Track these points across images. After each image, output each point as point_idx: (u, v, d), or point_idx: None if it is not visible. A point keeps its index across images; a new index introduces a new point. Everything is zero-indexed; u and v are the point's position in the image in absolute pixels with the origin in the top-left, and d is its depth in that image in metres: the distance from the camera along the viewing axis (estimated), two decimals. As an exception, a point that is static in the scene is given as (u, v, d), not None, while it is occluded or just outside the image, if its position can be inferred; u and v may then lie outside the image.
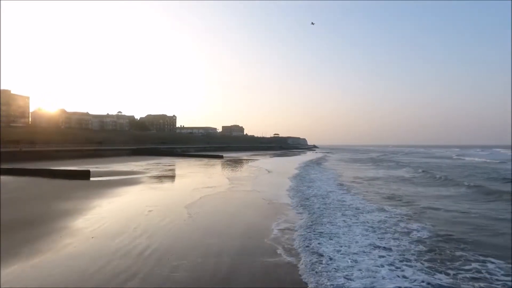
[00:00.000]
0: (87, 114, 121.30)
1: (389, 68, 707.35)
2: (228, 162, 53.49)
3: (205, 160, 57.42)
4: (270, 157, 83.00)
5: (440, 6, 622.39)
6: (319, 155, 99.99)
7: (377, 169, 42.85)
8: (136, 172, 32.49)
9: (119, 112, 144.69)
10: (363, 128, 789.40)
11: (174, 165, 44.70)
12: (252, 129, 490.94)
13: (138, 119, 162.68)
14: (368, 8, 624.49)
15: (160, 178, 28.63)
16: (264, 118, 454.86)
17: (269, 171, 36.97)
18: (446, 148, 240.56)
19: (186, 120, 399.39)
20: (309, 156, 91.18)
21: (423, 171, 34.39)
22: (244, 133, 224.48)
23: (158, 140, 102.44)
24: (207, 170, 37.96)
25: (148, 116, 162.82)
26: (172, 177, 29.76)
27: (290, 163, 52.05)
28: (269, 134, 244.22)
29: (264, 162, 55.36)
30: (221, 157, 66.15)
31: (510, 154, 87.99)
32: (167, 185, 24.81)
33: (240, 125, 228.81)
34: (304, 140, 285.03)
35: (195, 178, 29.20)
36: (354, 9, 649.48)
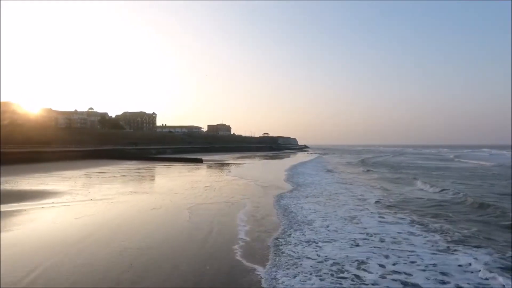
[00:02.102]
0: (49, 110, 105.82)
1: (378, 69, 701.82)
2: (207, 169, 39.97)
3: (178, 166, 43.75)
4: (261, 159, 69.78)
5: (440, 5, 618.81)
6: (315, 156, 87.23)
7: (402, 179, 29.83)
8: (38, 195, 18.71)
9: (91, 108, 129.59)
10: (350, 128, 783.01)
11: (125, 175, 30.92)
12: (240, 128, 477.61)
13: (114, 116, 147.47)
14: (360, 7, 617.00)
15: (61, 209, 14.96)
16: (253, 117, 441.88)
17: (263, 187, 23.89)
18: (434, 148, 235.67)
19: (169, 118, 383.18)
20: (304, 158, 78.23)
21: (463, 194, 20.88)
22: (232, 133, 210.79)
23: (130, 139, 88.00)
24: (167, 185, 24.48)
25: (125, 113, 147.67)
26: (87, 206, 16.05)
27: (290, 170, 38.84)
28: (258, 133, 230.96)
29: (254, 168, 42.06)
30: (200, 161, 52.62)
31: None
32: (39, 235, 11.14)
33: (227, 124, 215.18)
34: (295, 140, 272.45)
35: (129, 209, 15.64)
36: (345, 8, 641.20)
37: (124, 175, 30.72)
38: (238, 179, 29.27)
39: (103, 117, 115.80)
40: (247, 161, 60.22)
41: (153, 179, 28.09)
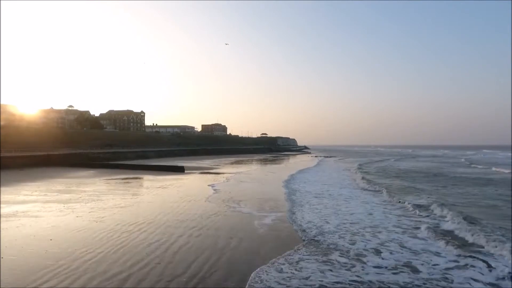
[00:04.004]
0: (14, 107, 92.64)
1: (376, 69, 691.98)
2: (183, 185, 27.57)
3: (145, 179, 31.44)
4: (260, 165, 57.57)
5: (439, 5, 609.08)
6: (322, 160, 75.27)
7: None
8: None
9: (70, 106, 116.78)
10: (347, 129, 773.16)
11: (23, 206, 18.49)
12: (237, 128, 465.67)
13: (98, 115, 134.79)
14: (360, 7, 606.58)
15: None
16: (250, 117, 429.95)
17: (278, 237, 11.87)
18: (432, 148, 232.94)
19: (163, 118, 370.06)
20: (311, 162, 66.10)
21: None
22: (228, 133, 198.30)
23: (108, 140, 75.36)
24: (60, 245, 12.04)
25: (110, 112, 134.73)
26: None
27: (305, 184, 26.60)
28: (256, 134, 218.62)
29: (252, 180, 29.57)
30: (181, 170, 40.17)
31: None
32: None
33: (223, 124, 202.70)
34: (294, 140, 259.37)
35: None
36: (345, 7, 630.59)
37: (19, 206, 18.28)
38: (224, 208, 16.99)
39: (81, 116, 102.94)
40: (242, 168, 47.86)
41: (61, 216, 15.64)
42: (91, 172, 36.78)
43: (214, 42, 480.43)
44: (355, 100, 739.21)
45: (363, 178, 32.73)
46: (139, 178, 32.41)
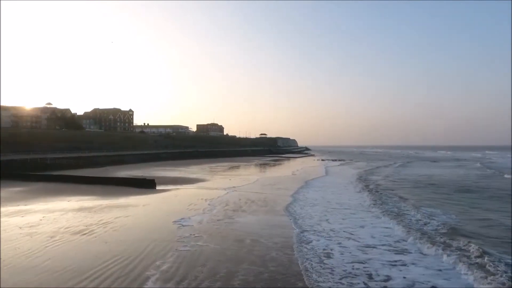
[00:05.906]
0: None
1: (376, 69, 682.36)
2: (116, 229, 16.38)
3: (65, 211, 20.22)
4: (259, 172, 46.56)
5: (439, 5, 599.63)
6: (330, 165, 64.46)
7: None
8: None
9: (48, 103, 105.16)
10: (346, 129, 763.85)
11: None
12: (235, 129, 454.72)
13: (82, 114, 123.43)
14: (360, 7, 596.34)
15: None
16: (248, 117, 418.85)
17: None
18: (432, 149, 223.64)
19: (160, 118, 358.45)
20: (318, 167, 55.34)
21: None
22: (225, 133, 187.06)
23: (74, 143, 63.87)
24: None
25: (95, 110, 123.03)
26: None
27: (339, 220, 15.65)
28: (254, 134, 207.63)
29: (250, 211, 18.34)
30: (150, 184, 28.81)
31: None
32: None
33: (220, 124, 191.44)
34: (294, 141, 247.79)
35: None
36: (345, 7, 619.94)
37: None
38: None
39: (54, 114, 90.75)
40: (237, 179, 36.53)
41: None
42: (15, 190, 25.36)
43: (214, 41, 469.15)
44: (355, 100, 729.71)
45: (414, 206, 21.68)
46: (74, 202, 21.08)
